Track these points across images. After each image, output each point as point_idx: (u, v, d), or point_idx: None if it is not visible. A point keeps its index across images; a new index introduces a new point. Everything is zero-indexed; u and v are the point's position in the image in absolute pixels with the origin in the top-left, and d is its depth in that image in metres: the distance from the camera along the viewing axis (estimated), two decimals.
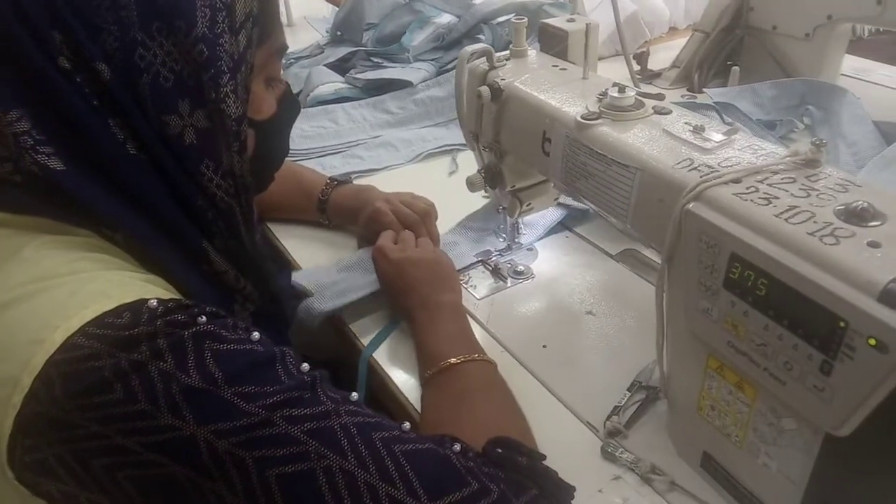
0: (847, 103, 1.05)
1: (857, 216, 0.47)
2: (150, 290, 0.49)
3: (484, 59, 0.75)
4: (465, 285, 0.84)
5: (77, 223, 0.51)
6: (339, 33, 1.41)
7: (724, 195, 0.51)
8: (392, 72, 1.23)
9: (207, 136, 0.54)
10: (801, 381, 0.47)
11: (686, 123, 0.60)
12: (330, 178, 0.96)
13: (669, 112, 0.63)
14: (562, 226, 0.93)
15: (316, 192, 0.94)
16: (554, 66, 0.74)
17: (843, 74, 1.27)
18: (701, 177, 0.53)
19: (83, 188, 0.50)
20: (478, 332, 0.77)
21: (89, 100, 0.50)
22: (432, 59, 1.28)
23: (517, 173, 0.78)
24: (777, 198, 0.50)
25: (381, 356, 0.75)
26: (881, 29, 1.35)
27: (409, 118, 1.19)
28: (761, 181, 0.52)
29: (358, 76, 1.24)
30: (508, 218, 0.85)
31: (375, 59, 1.28)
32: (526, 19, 0.75)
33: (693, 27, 1.33)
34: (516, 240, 0.88)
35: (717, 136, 0.57)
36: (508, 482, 0.50)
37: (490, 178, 0.77)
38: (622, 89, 0.63)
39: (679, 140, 0.58)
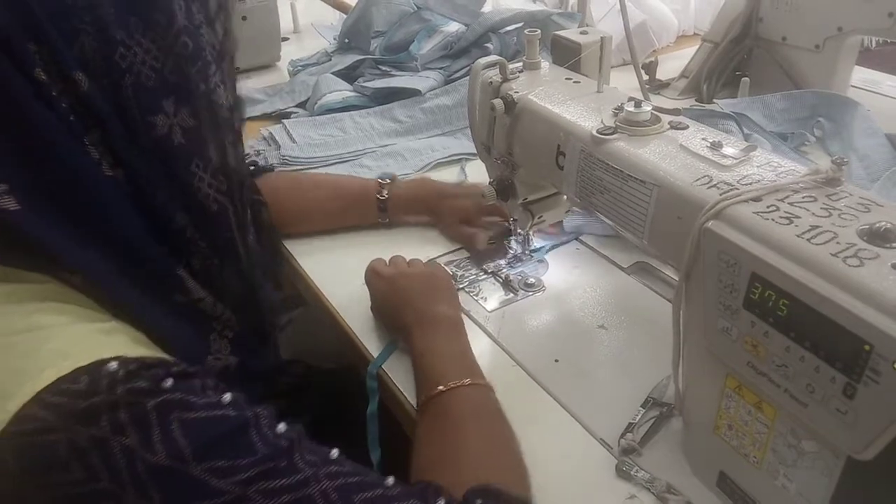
0: (859, 116, 1.04)
1: (880, 237, 0.46)
2: (113, 344, 0.46)
3: (497, 70, 0.74)
4: (475, 297, 0.83)
5: (32, 267, 0.47)
6: (346, 41, 1.41)
7: (745, 213, 0.51)
8: (400, 80, 1.23)
9: (195, 133, 0.53)
10: (823, 404, 0.46)
11: (703, 139, 0.59)
12: (376, 179, 0.95)
13: (686, 127, 0.62)
14: (572, 237, 0.92)
15: (370, 193, 0.93)
16: (567, 78, 0.73)
17: (852, 86, 1.27)
18: (721, 194, 0.52)
19: (41, 229, 0.46)
20: (488, 345, 0.76)
21: (65, 117, 0.46)
22: (440, 68, 1.28)
23: (529, 186, 0.77)
24: (798, 217, 0.49)
25: (390, 367, 0.75)
26: (888, 40, 1.35)
27: (417, 127, 1.18)
28: (782, 199, 0.51)
29: (366, 84, 1.24)
30: (520, 230, 0.84)
31: (384, 68, 1.27)
32: (539, 32, 0.74)
33: (702, 37, 1.33)
34: (527, 251, 0.87)
35: (735, 153, 0.57)
36: None
37: (502, 190, 0.76)
38: (638, 104, 0.62)
39: (697, 156, 0.57)
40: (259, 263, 0.64)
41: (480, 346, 0.76)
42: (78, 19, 0.46)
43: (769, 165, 0.55)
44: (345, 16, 1.79)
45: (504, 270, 0.86)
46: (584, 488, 0.61)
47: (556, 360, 0.74)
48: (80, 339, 0.45)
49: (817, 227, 0.48)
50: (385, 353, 0.76)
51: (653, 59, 1.35)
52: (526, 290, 0.84)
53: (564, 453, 0.64)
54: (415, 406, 0.68)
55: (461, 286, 0.84)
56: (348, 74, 1.30)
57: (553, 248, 0.90)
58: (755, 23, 1.27)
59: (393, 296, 0.75)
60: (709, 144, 0.58)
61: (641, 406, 0.67)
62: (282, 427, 0.46)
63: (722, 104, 1.14)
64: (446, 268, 0.88)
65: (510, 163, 0.75)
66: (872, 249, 0.45)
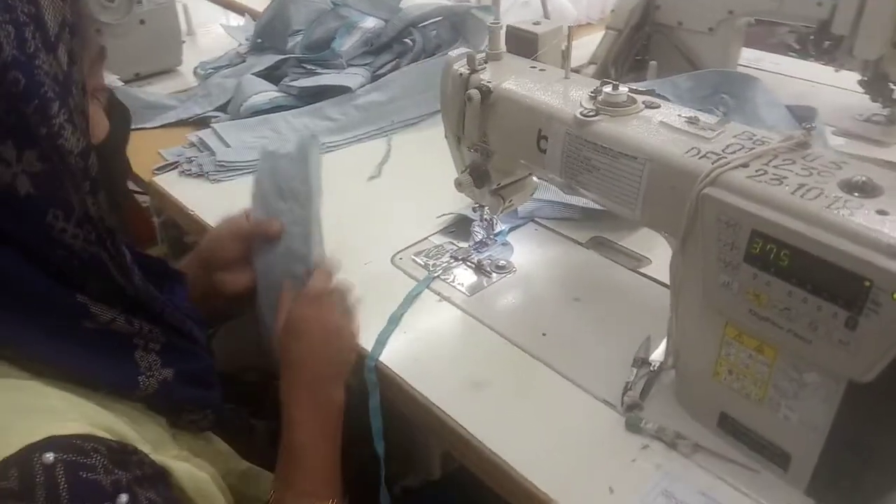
0: (759, 90, 1.16)
1: (860, 189, 0.53)
2: (39, 417, 0.42)
3: (464, 63, 0.77)
4: (452, 284, 0.86)
5: None
6: (259, 41, 1.38)
7: (738, 178, 0.57)
8: (328, 78, 1.22)
9: (46, 179, 0.45)
10: (826, 338, 0.53)
11: (679, 115, 0.65)
12: None
13: (658, 106, 0.68)
14: (527, 220, 0.97)
15: None
16: (532, 67, 0.77)
17: (739, 65, 1.40)
18: (713, 163, 0.58)
19: None
20: (477, 327, 0.79)
21: None
22: (364, 64, 1.29)
23: (502, 172, 0.81)
24: (786, 177, 0.56)
25: (387, 358, 0.76)
26: (753, 21, 1.49)
27: (351, 124, 1.19)
28: (767, 164, 0.58)
29: (293, 84, 1.22)
30: (486, 216, 0.87)
31: (308, 66, 1.26)
32: (502, 24, 0.78)
33: (607, 25, 1.42)
34: (491, 236, 0.90)
35: (713, 125, 0.63)
36: None
37: (478, 177, 0.79)
38: (615, 87, 0.67)
39: (679, 131, 0.63)
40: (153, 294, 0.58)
41: (469, 329, 0.79)
42: None
43: (745, 135, 0.62)
44: (240, 16, 1.75)
45: (473, 256, 0.89)
46: (598, 446, 0.66)
47: (544, 334, 0.78)
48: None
49: (804, 185, 0.55)
50: (379, 347, 0.77)
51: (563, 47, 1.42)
52: (498, 272, 0.87)
53: (573, 417, 0.68)
54: (428, 398, 0.70)
55: (435, 275, 0.87)
56: (269, 75, 1.28)
57: (512, 230, 0.94)
58: (653, 10, 1.37)
59: (298, 327, 0.70)
60: (686, 119, 0.64)
61: (632, 366, 0.73)
62: None
63: (636, 87, 1.22)
64: (414, 259, 0.90)
65: (484, 150, 0.78)
66: (857, 200, 0.53)
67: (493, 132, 0.76)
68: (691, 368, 0.66)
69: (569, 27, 0.73)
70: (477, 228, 0.91)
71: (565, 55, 0.73)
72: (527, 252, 0.91)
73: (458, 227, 0.96)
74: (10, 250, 0.45)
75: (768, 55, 1.50)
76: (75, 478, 0.40)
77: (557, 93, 0.72)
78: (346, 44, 1.28)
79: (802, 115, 1.11)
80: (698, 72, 1.25)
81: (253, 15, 1.66)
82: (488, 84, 0.74)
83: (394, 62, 1.29)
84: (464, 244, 0.92)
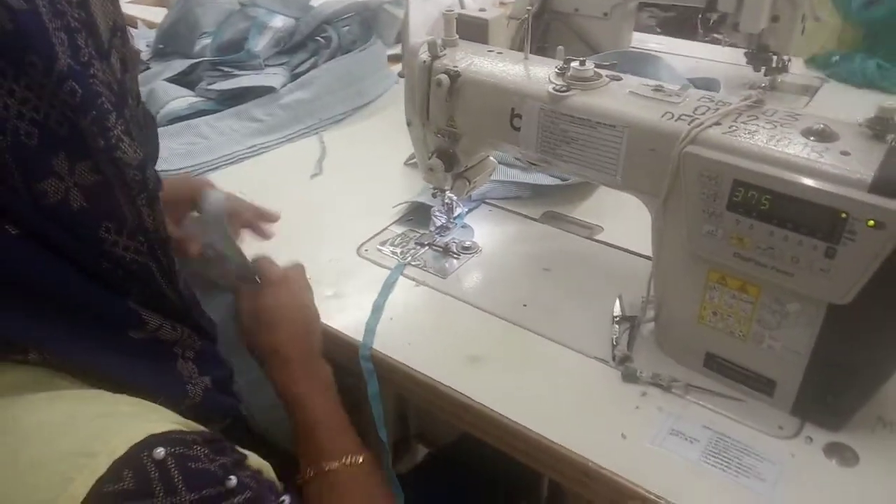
0: (663, 67, 1.25)
1: (820, 135, 0.61)
2: (128, 420, 0.41)
3: (426, 50, 0.79)
4: (425, 269, 0.87)
5: None
6: (161, 46, 1.33)
7: (715, 136, 0.62)
8: (249, 79, 1.20)
9: (100, 192, 0.44)
10: (807, 269, 0.60)
11: (644, 85, 0.71)
12: None
13: (620, 78, 0.73)
14: (479, 202, 1.00)
15: None
16: (490, 51, 0.80)
17: (631, 47, 1.50)
18: (689, 124, 0.64)
19: None
20: (461, 307, 0.81)
21: None
22: (280, 64, 1.27)
23: (467, 154, 0.83)
24: (755, 132, 0.62)
25: (380, 345, 0.76)
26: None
27: (279, 124, 1.17)
28: (735, 121, 0.64)
29: (211, 87, 1.19)
30: (447, 200, 0.90)
31: (224, 69, 1.23)
32: (457, 12, 0.80)
33: (508, 15, 1.47)
34: (451, 220, 0.93)
35: (677, 91, 0.69)
36: None
37: (447, 161, 0.81)
38: (582, 62, 0.71)
39: (649, 99, 0.68)
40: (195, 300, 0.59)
41: (452, 309, 0.81)
42: None
43: (706, 98, 0.68)
44: (133, 28, 1.66)
45: (437, 240, 0.92)
46: (601, 398, 0.70)
47: (525, 305, 0.81)
48: (89, 425, 0.39)
49: (773, 136, 0.61)
50: (370, 335, 0.77)
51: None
52: (465, 253, 0.90)
53: (572, 376, 0.72)
54: (432, 377, 0.71)
55: (406, 261, 0.88)
56: (182, 80, 1.23)
57: (468, 212, 0.97)
58: None
59: (269, 314, 0.70)
60: (652, 88, 0.70)
61: (613, 323, 0.78)
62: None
63: None
64: (381, 249, 0.91)
65: (451, 134, 0.81)
66: (821, 145, 0.60)
67: (462, 115, 0.78)
68: (676, 316, 0.72)
69: (528, 10, 0.76)
70: (437, 213, 0.93)
71: (525, 38, 0.77)
72: (487, 232, 0.94)
73: (415, 214, 0.97)
74: (64, 264, 0.43)
75: (652, 37, 1.62)
76: (186, 468, 0.39)
77: (523, 73, 0.75)
78: (260, 44, 1.26)
79: (706, 87, 1.22)
80: (603, 54, 1.34)
81: (147, 24, 1.58)
82: (455, 68, 0.76)
83: (311, 60, 1.28)
84: (424, 230, 0.94)
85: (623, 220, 0.94)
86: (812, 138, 0.61)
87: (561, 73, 0.73)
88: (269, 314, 0.71)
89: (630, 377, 0.71)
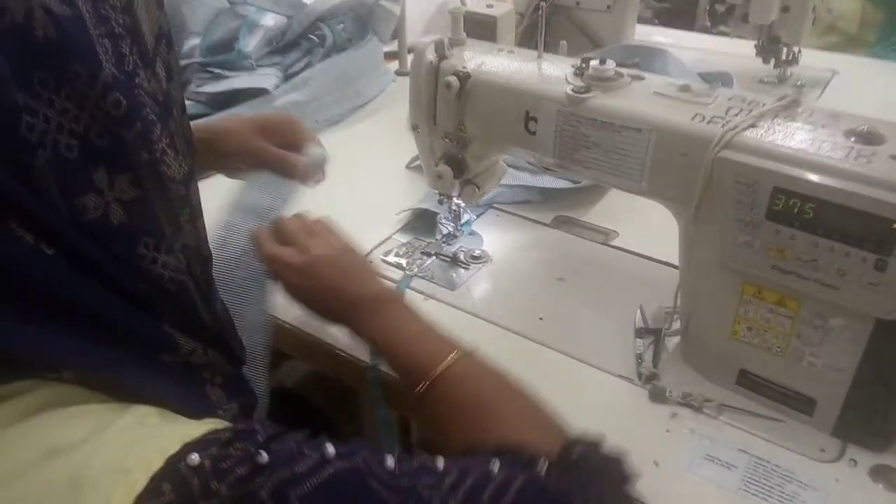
0: (671, 61, 1.20)
1: (865, 138, 0.56)
2: (163, 432, 0.39)
3: (432, 50, 0.74)
4: (430, 280, 0.83)
5: (7, 378, 0.38)
6: None
7: (751, 140, 0.58)
8: (240, 80, 1.14)
9: (140, 206, 0.42)
10: (855, 282, 0.55)
11: (670, 84, 0.66)
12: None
13: (643, 78, 0.68)
14: (486, 207, 0.95)
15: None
16: (500, 50, 0.75)
17: (635, 40, 1.45)
18: (722, 127, 0.59)
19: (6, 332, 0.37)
20: (472, 321, 0.77)
21: None
22: (273, 64, 1.21)
23: (477, 160, 0.78)
24: (794, 135, 0.58)
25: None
26: None
27: None
28: (771, 123, 0.59)
29: (201, 90, 1.13)
30: (454, 207, 0.85)
31: (214, 70, 1.17)
32: (464, 8, 0.75)
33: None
34: (459, 227, 0.88)
35: (706, 91, 0.64)
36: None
37: (456, 167, 0.76)
38: (603, 61, 0.67)
39: (676, 100, 0.64)
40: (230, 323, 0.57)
41: (465, 324, 0.76)
42: None
43: (737, 98, 0.64)
44: None
45: (445, 249, 0.87)
46: (629, 421, 0.65)
47: (541, 318, 0.77)
48: (123, 440, 0.37)
49: (815, 139, 0.57)
50: (377, 355, 0.73)
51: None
52: (475, 263, 0.85)
53: (596, 396, 0.68)
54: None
55: (413, 273, 0.83)
56: None
57: (476, 218, 0.93)
58: None
59: (317, 287, 0.65)
60: (678, 88, 0.65)
61: (636, 337, 0.73)
62: (390, 461, 0.41)
63: None
64: (385, 260, 0.86)
65: (460, 139, 0.76)
66: (868, 148, 0.55)
67: (472, 119, 0.74)
68: (706, 331, 0.67)
69: (541, 5, 0.71)
70: (444, 221, 0.88)
71: (539, 35, 0.72)
72: (496, 239, 0.89)
73: (420, 221, 0.92)
74: (98, 283, 0.41)
75: (656, 29, 1.57)
76: (220, 469, 0.36)
77: (537, 73, 0.70)
78: (251, 44, 1.21)
79: (714, 83, 1.17)
80: (608, 48, 1.29)
81: None
82: (465, 69, 0.71)
83: (305, 60, 1.23)
84: (430, 239, 0.89)
85: (639, 223, 0.90)
86: (855, 140, 0.56)
87: (579, 72, 0.68)
88: (307, 268, 0.65)
89: (658, 397, 0.67)
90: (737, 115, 0.61)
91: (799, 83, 1.32)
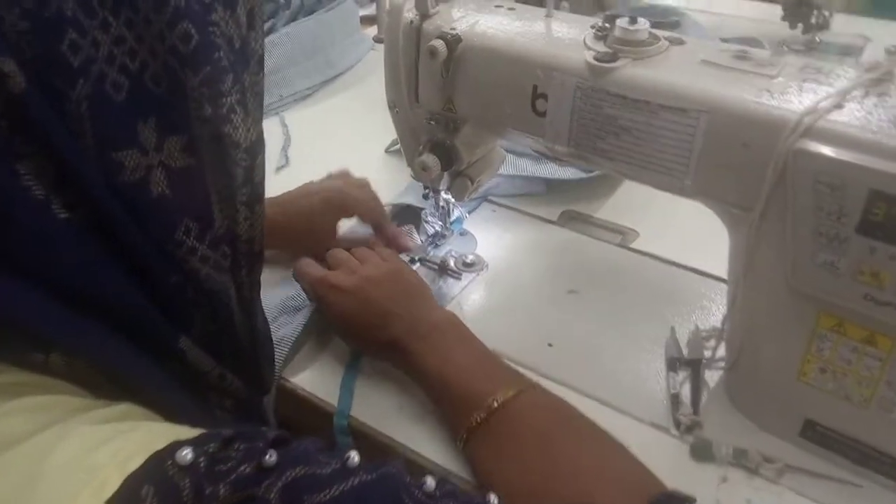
0: (690, 25, 1.05)
1: None
2: (151, 430, 0.32)
3: (412, 7, 0.58)
4: None
5: None
6: None
7: (839, 126, 0.43)
8: None
9: (189, 179, 0.35)
10: None
11: (722, 51, 0.51)
12: None
13: (683, 42, 0.53)
14: (480, 200, 0.80)
15: None
16: (497, 6, 0.59)
17: (646, 1, 1.29)
18: (798, 108, 0.44)
19: None
20: None
21: None
22: None
23: (470, 147, 0.63)
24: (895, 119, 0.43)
25: (362, 411, 0.57)
26: None
27: None
28: (862, 103, 0.44)
29: None
30: (442, 202, 0.70)
31: None
32: None
33: None
34: (448, 226, 0.73)
35: (769, 60, 0.49)
36: None
37: (444, 157, 0.61)
38: (633, 20, 0.51)
39: (732, 70, 0.48)
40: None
41: None
42: None
43: (809, 69, 0.48)
44: None
45: (431, 254, 0.72)
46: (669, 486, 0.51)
47: (550, 344, 0.62)
48: (96, 435, 0.30)
49: None
50: (347, 394, 0.58)
51: None
52: (469, 272, 0.70)
53: None
54: (432, 460, 0.53)
55: None
56: None
57: (468, 214, 0.77)
58: None
59: (366, 310, 0.58)
60: (733, 55, 0.50)
61: (669, 370, 0.59)
62: (430, 482, 0.34)
63: None
64: None
65: (449, 121, 0.60)
66: None
67: (464, 95, 0.58)
68: (765, 368, 0.53)
69: None
70: (430, 219, 0.73)
71: None
72: (493, 240, 0.74)
73: (402, 217, 0.77)
74: (119, 264, 0.34)
75: None
76: (215, 472, 0.29)
77: (547, 35, 0.55)
78: None
79: None
80: (615, 11, 1.13)
81: None
82: (454, 31, 0.55)
83: (268, 24, 1.06)
84: (415, 239, 0.74)
85: (663, 221, 0.75)
86: None
87: (602, 34, 0.52)
88: (352, 320, 0.59)
89: (703, 454, 0.53)
90: (815, 91, 0.46)
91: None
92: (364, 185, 0.70)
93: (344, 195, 0.68)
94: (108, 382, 0.35)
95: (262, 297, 0.65)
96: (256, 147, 0.39)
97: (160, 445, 0.30)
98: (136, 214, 0.34)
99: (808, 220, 0.44)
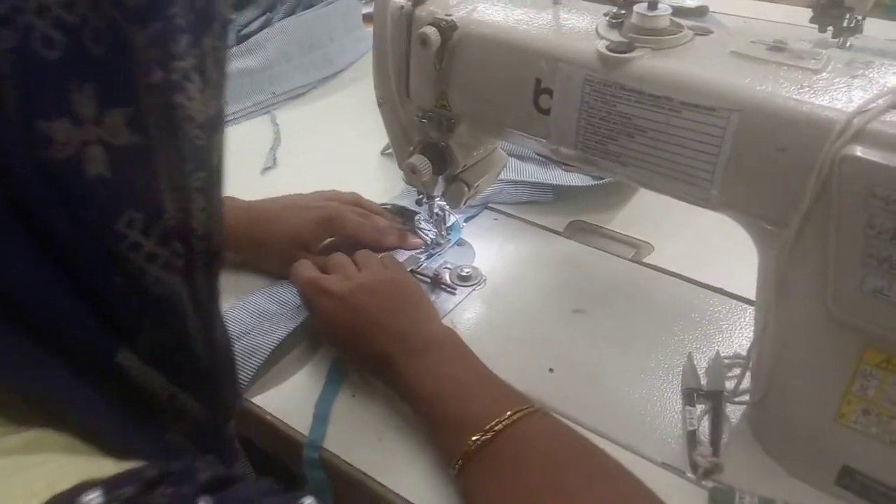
0: (712, 24, 0.98)
1: None
2: (61, 465, 0.28)
3: None
4: None
5: None
6: None
7: (894, 129, 0.36)
8: None
9: (133, 160, 0.30)
10: None
11: (754, 42, 0.44)
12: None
13: (709, 32, 0.47)
14: (480, 207, 0.74)
15: None
16: None
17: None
18: (846, 108, 0.38)
19: None
20: None
21: None
22: None
23: (466, 147, 0.57)
24: None
25: (336, 442, 0.51)
26: None
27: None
28: None
29: None
30: (437, 209, 0.64)
31: None
32: None
33: None
34: (444, 234, 0.67)
35: (809, 52, 0.43)
36: None
37: (437, 160, 0.54)
38: (653, 5, 0.45)
39: (768, 64, 0.42)
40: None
41: None
42: None
43: (857, 63, 0.42)
44: None
45: (424, 265, 0.65)
46: None
47: (551, 370, 0.56)
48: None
49: None
50: (320, 422, 0.52)
51: None
52: (465, 286, 0.64)
53: None
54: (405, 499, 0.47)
55: None
56: None
57: (466, 221, 0.71)
58: None
59: (355, 319, 0.54)
60: (769, 47, 0.43)
61: (687, 404, 0.52)
62: None
63: None
64: None
65: (443, 119, 0.54)
66: None
67: (459, 90, 0.52)
68: (797, 407, 0.46)
69: None
70: (424, 225, 0.67)
71: None
72: (493, 252, 0.68)
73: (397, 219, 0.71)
74: (45, 264, 0.29)
75: None
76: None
77: (553, 22, 0.49)
78: None
79: None
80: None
81: None
82: (449, 17, 0.49)
83: (262, 18, 1.01)
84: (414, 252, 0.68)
85: (681, 233, 0.68)
86: None
87: (616, 22, 0.46)
88: (344, 330, 0.55)
89: (724, 502, 0.46)
90: (866, 89, 0.39)
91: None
92: (362, 213, 0.67)
93: (344, 219, 0.65)
94: (23, 403, 0.30)
95: (243, 305, 0.60)
96: (214, 122, 0.34)
97: (66, 485, 0.25)
98: (67, 199, 0.29)
99: (856, 238, 0.38)
